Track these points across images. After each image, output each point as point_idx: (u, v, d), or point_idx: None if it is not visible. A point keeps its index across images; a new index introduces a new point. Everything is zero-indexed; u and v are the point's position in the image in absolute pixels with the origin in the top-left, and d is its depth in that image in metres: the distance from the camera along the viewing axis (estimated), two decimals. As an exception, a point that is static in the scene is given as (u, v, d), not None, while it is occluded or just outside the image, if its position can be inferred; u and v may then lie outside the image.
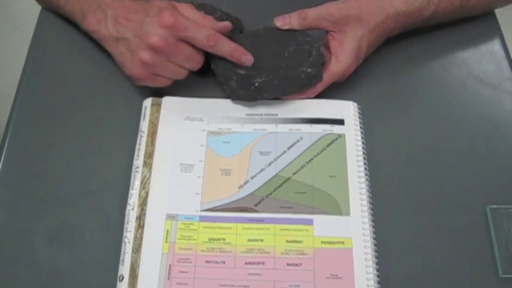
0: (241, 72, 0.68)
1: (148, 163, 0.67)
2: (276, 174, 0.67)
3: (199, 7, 0.73)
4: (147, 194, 0.65)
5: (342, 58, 0.70)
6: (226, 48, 0.67)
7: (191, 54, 0.66)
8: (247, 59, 0.68)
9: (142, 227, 0.63)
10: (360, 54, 0.70)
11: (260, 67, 0.68)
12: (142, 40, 0.64)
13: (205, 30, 0.64)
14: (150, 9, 0.65)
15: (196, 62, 0.67)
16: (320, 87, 0.71)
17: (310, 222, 0.64)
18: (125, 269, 0.61)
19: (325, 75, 0.70)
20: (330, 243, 0.63)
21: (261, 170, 0.67)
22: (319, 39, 0.71)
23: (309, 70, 0.68)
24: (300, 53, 0.69)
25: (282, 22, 0.71)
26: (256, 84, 0.68)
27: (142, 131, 0.69)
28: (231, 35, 0.71)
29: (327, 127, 0.70)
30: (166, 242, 0.63)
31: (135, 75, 0.67)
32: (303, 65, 0.68)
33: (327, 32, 0.71)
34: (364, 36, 0.69)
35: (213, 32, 0.65)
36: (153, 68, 0.66)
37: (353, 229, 0.64)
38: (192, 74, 0.70)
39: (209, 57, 0.70)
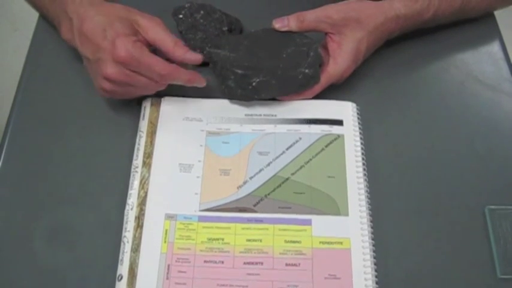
0: (239, 71, 0.68)
1: (147, 163, 0.67)
2: (274, 175, 0.67)
3: (198, 8, 0.73)
4: (146, 193, 0.65)
5: (340, 60, 0.70)
6: (181, 80, 0.66)
7: (148, 83, 0.65)
8: (200, 83, 0.68)
9: (141, 227, 0.63)
10: (358, 56, 0.70)
11: (258, 67, 0.68)
12: (99, 69, 0.64)
13: (157, 69, 0.63)
14: (108, 31, 0.63)
15: (155, 88, 0.67)
16: (318, 88, 0.71)
17: (308, 222, 0.64)
18: (123, 269, 0.61)
19: (323, 77, 0.70)
20: (328, 243, 0.63)
21: (260, 170, 0.67)
22: (317, 40, 0.71)
23: (307, 71, 0.68)
24: (298, 54, 0.69)
25: (281, 24, 0.71)
26: (254, 83, 0.68)
27: (142, 131, 0.69)
28: (230, 36, 0.71)
29: (325, 128, 0.70)
30: (165, 241, 0.63)
31: (101, 95, 0.69)
32: (300, 66, 0.69)
33: (326, 34, 0.71)
34: (363, 38, 0.70)
35: (168, 71, 0.64)
36: (115, 93, 0.67)
37: (351, 229, 0.64)
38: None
39: (207, 57, 0.70)
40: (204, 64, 0.73)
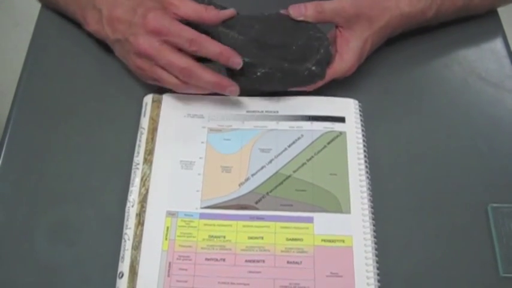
0: (246, 59, 0.66)
1: (148, 160, 0.67)
2: (276, 172, 0.67)
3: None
4: (147, 191, 0.65)
5: (346, 57, 0.69)
6: (211, 51, 0.65)
7: (174, 61, 0.64)
8: (235, 61, 0.65)
9: (142, 224, 0.63)
10: (362, 55, 0.70)
11: (265, 56, 0.67)
12: (131, 46, 0.66)
13: (187, 35, 0.64)
14: (139, 7, 0.65)
15: (178, 68, 0.65)
16: (320, 83, 0.70)
17: (310, 220, 0.64)
18: (124, 266, 0.61)
19: (328, 72, 0.69)
20: (330, 241, 0.63)
21: (262, 168, 0.67)
22: (329, 38, 0.70)
23: (313, 68, 0.68)
24: (308, 48, 0.68)
25: (297, 13, 0.68)
26: (259, 73, 0.67)
27: (143, 128, 0.69)
28: (242, 16, 0.69)
29: (327, 125, 0.70)
30: (166, 239, 0.63)
31: (139, 78, 0.70)
32: (308, 61, 0.68)
33: (336, 27, 0.71)
34: (369, 37, 0.69)
35: (196, 36, 0.64)
36: (147, 72, 0.67)
37: (353, 227, 0.64)
38: None
39: (214, 36, 0.67)
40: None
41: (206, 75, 0.65)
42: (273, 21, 0.70)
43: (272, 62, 0.67)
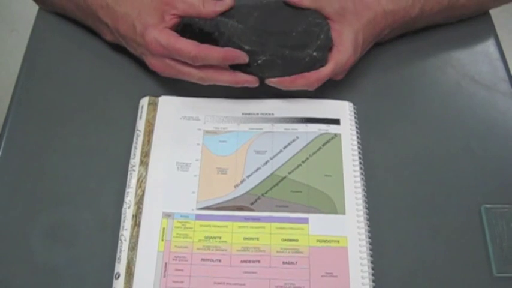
0: (246, 47, 0.66)
1: (144, 162, 0.67)
2: (271, 173, 0.67)
3: None
4: (143, 192, 0.65)
5: (342, 48, 0.69)
6: (215, 58, 0.64)
7: (190, 73, 0.66)
8: (241, 59, 0.65)
9: (139, 225, 0.63)
10: (357, 48, 0.70)
11: (266, 44, 0.67)
12: (148, 63, 0.68)
13: (187, 53, 0.64)
14: (137, 25, 0.66)
15: (199, 74, 0.67)
16: (324, 76, 0.68)
17: (305, 221, 0.64)
18: (121, 267, 0.61)
19: (329, 64, 0.68)
20: (325, 241, 0.63)
21: (257, 169, 0.68)
22: (329, 23, 0.69)
23: (314, 54, 0.67)
24: (308, 34, 0.68)
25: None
26: (259, 61, 0.67)
27: (139, 130, 0.69)
28: (240, 4, 0.69)
29: (322, 127, 0.70)
30: (162, 240, 0.63)
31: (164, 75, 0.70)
32: (308, 47, 0.67)
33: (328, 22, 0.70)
34: (359, 31, 0.69)
35: (196, 52, 0.63)
36: (176, 76, 0.69)
37: (348, 228, 0.64)
38: None
39: (212, 25, 0.68)
40: None
41: (224, 77, 0.67)
42: (272, 9, 0.69)
43: (272, 49, 0.67)
